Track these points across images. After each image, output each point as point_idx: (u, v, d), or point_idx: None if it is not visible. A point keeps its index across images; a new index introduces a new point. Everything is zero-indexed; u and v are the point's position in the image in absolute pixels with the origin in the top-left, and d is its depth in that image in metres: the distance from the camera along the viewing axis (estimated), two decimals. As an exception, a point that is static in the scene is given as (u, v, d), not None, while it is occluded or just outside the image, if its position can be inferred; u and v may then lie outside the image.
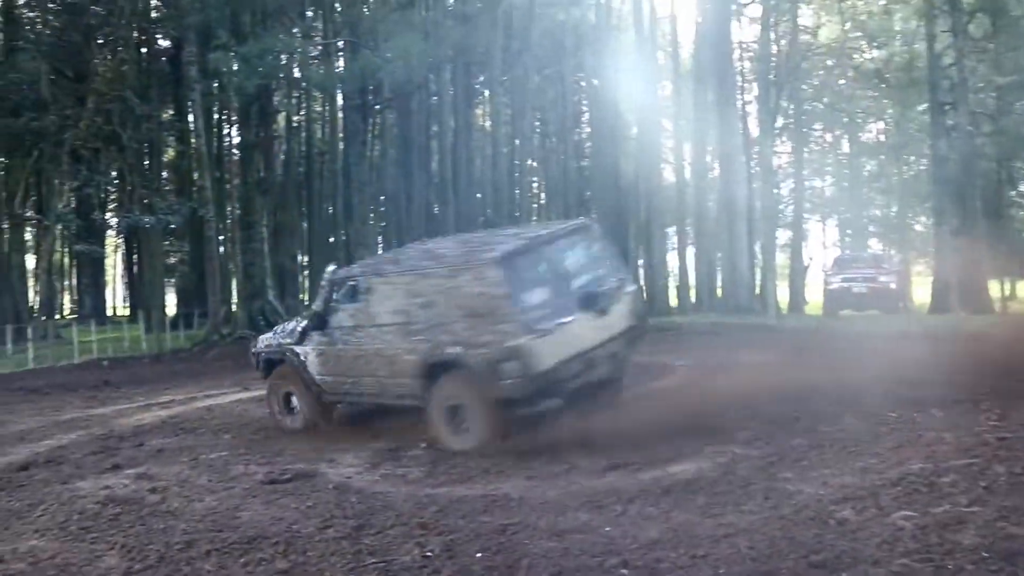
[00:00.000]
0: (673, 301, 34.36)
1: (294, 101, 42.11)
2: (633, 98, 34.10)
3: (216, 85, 32.12)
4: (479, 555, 5.45)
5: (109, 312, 44.65)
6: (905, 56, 36.72)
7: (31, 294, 34.24)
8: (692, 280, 34.96)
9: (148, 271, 35.29)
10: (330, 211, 42.82)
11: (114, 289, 54.84)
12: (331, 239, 42.04)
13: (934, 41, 29.27)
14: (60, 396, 15.63)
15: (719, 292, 33.31)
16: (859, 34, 40.39)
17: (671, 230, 40.21)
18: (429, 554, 5.53)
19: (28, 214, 33.56)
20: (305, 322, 10.66)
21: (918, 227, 43.37)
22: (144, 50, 35.60)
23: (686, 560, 5.11)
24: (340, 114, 38.03)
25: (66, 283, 49.44)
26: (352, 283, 10.18)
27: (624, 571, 5.01)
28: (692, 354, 16.17)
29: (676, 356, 15.92)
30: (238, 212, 37.72)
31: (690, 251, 36.23)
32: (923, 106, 33.24)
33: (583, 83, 41.48)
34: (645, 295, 34.90)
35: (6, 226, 31.06)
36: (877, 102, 42.25)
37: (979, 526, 5.17)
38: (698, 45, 34.21)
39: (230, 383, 15.46)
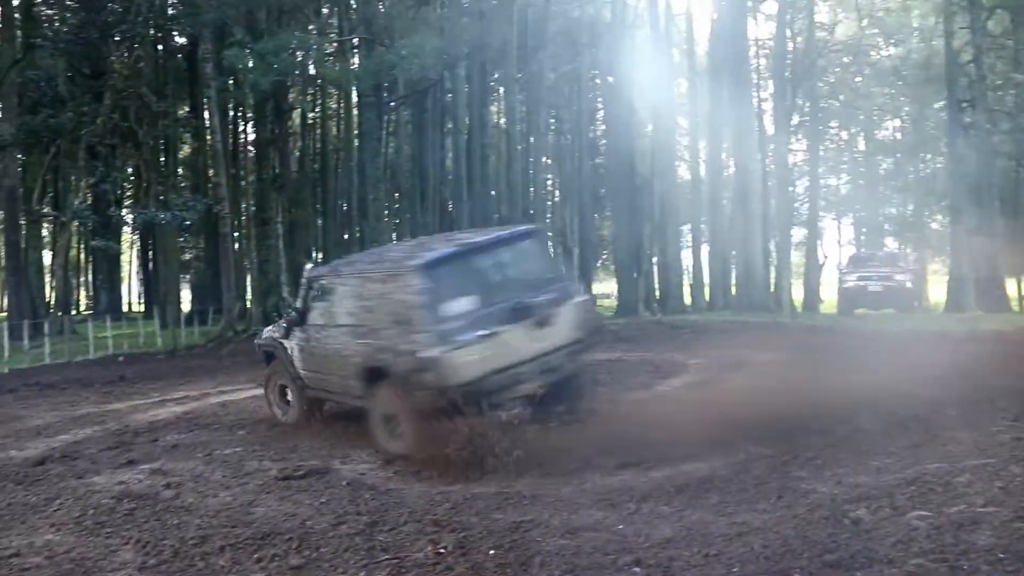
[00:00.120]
0: (687, 299, 34.27)
1: (309, 98, 42.20)
2: (648, 95, 34.04)
3: (232, 82, 32.23)
4: (492, 552, 5.45)
5: (124, 308, 44.89)
6: (923, 53, 36.52)
7: (47, 290, 34.46)
8: (706, 278, 34.88)
9: (163, 267, 35.45)
10: (344, 208, 42.90)
11: (129, 285, 55.13)
12: (346, 236, 42.11)
13: (952, 38, 29.11)
14: (76, 391, 15.70)
15: (733, 290, 33.23)
16: (876, 31, 40.20)
17: (686, 228, 40.14)
18: (442, 551, 5.53)
19: (45, 210, 33.81)
20: (290, 317, 10.75)
21: (934, 225, 43.11)
22: (160, 47, 35.80)
23: (699, 559, 5.10)
24: (355, 111, 38.08)
25: (82, 279, 49.75)
26: (322, 282, 10.22)
27: (637, 569, 5.00)
28: (706, 352, 16.12)
29: (689, 354, 15.88)
30: (253, 209, 37.88)
31: (704, 249, 36.15)
32: (940, 103, 33.08)
33: (598, 80, 41.41)
34: (658, 294, 34.96)
35: (23, 222, 31.26)
36: (894, 99, 42.01)
37: (995, 526, 5.13)
38: (713, 42, 34.14)
39: (245, 379, 15.49)
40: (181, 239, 38.84)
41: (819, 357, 14.17)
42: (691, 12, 41.61)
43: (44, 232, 38.81)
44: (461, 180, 36.31)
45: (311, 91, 41.45)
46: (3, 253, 34.64)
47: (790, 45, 35.99)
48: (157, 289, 36.84)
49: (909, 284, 26.76)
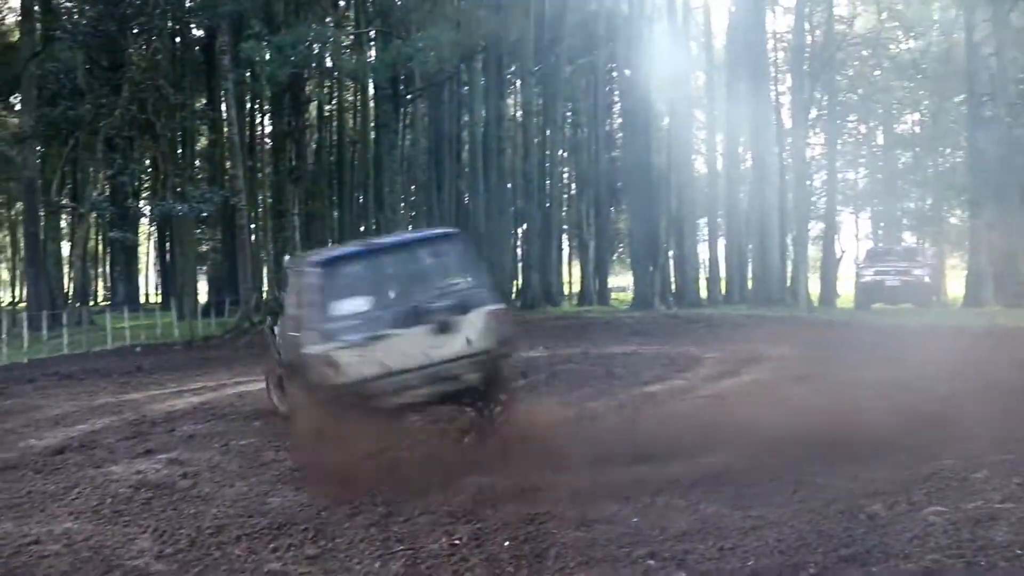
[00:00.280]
0: (703, 293, 34.20)
1: (326, 90, 42.25)
2: (665, 89, 33.92)
3: (249, 74, 32.28)
4: (506, 544, 5.46)
5: (142, 299, 45.17)
6: (943, 46, 36.23)
7: (66, 281, 34.68)
8: (722, 272, 34.80)
9: (180, 259, 35.62)
10: (361, 200, 43.00)
11: (147, 276, 55.44)
12: (362, 228, 42.20)
13: (973, 30, 28.83)
14: (94, 381, 15.80)
15: (750, 284, 33.17)
16: (896, 24, 39.88)
17: (702, 221, 40.03)
18: (457, 542, 5.54)
19: (64, 202, 33.98)
20: (272, 307, 10.91)
21: (953, 220, 42.81)
22: (178, 40, 35.93)
23: (714, 552, 5.09)
24: (371, 103, 38.16)
25: (100, 270, 50.06)
26: (287, 273, 10.44)
27: (651, 562, 5.00)
28: (721, 346, 16.10)
29: (705, 348, 15.87)
30: (270, 200, 37.98)
31: (721, 243, 36.05)
32: (960, 97, 32.80)
33: (615, 73, 41.29)
34: (674, 288, 34.88)
35: (42, 214, 31.47)
36: (913, 93, 41.72)
37: (1012, 523, 5.11)
38: (731, 35, 34.01)
39: (261, 370, 15.52)
40: (198, 231, 39.06)
41: (835, 352, 14.13)
42: (709, 5, 41.32)
43: (63, 224, 39.04)
44: (477, 172, 36.34)
45: (328, 83, 41.50)
46: (23, 244, 34.90)
47: (808, 38, 35.77)
48: (174, 280, 37.03)
49: (927, 279, 26.61)
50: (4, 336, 21.08)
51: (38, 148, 31.66)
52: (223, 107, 32.13)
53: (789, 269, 34.20)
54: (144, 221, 43.55)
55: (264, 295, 31.52)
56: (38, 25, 30.47)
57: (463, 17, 31.46)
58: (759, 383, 10.92)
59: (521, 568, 5.08)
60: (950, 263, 41.95)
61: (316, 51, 31.51)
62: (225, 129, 32.08)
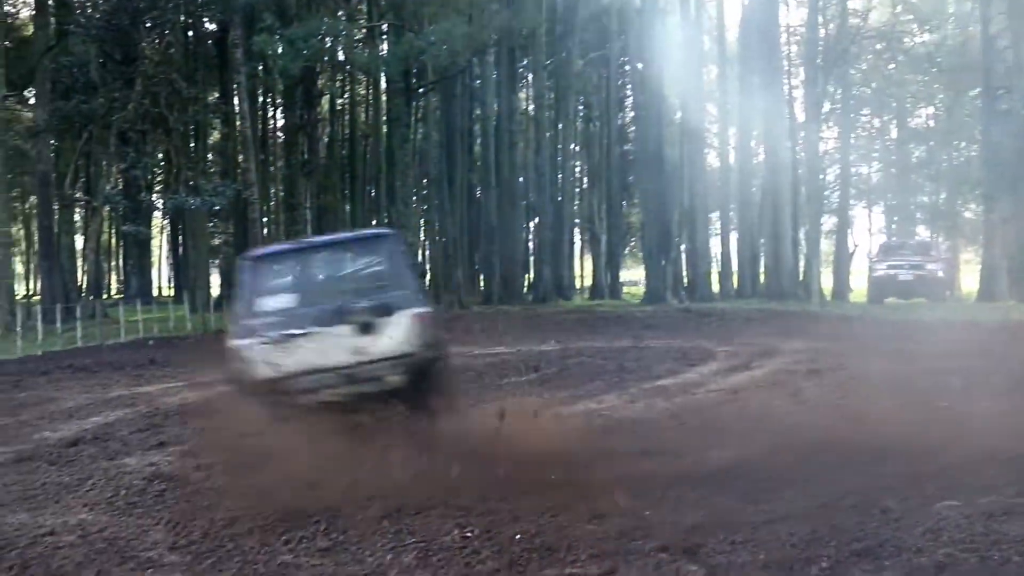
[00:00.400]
0: (715, 287, 34.14)
1: (338, 84, 42.30)
2: (678, 82, 33.83)
3: (261, 68, 32.39)
4: (518, 537, 5.46)
5: (155, 292, 45.31)
6: (958, 39, 36.02)
7: (79, 274, 34.85)
8: (735, 266, 34.71)
9: (193, 252, 35.74)
10: (373, 194, 43.07)
11: (160, 269, 55.66)
12: (374, 221, 42.25)
13: (989, 23, 28.66)
14: (107, 374, 15.87)
15: (762, 278, 33.07)
16: (910, 17, 39.66)
17: (714, 215, 39.94)
18: (469, 535, 5.55)
19: (77, 195, 34.14)
20: None
21: (967, 214, 42.59)
22: (190, 33, 36.00)
23: (726, 546, 5.08)
24: (384, 97, 38.17)
25: (113, 263, 50.28)
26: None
27: (663, 555, 5.00)
28: (733, 340, 16.08)
29: (717, 342, 15.85)
30: (282, 194, 38.08)
31: (733, 236, 35.96)
32: (975, 90, 32.61)
33: (627, 67, 41.23)
34: (686, 282, 34.82)
35: (56, 207, 31.61)
36: (927, 87, 41.50)
37: (1026, 517, 5.08)
38: (744, 28, 33.88)
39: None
40: (210, 224, 39.16)
41: (847, 347, 14.10)
42: (722, -2, 41.11)
43: (76, 217, 39.22)
44: (489, 166, 36.34)
45: (340, 77, 41.55)
46: (37, 238, 35.05)
47: (822, 31, 35.59)
48: (187, 273, 37.16)
49: (941, 273, 26.50)
50: (19, 329, 21.19)
51: (52, 142, 31.82)
52: (235, 101, 32.21)
53: (802, 263, 34.10)
54: (157, 214, 43.72)
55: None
56: (52, 19, 30.60)
57: (475, 10, 31.42)
58: (771, 377, 10.90)
59: (533, 561, 5.08)
60: (964, 257, 41.79)
61: (328, 45, 31.60)
62: (237, 123, 32.16)
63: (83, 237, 37.25)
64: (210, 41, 36.90)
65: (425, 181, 41.40)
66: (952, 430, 7.35)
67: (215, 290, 38.71)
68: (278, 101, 40.73)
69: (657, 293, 32.60)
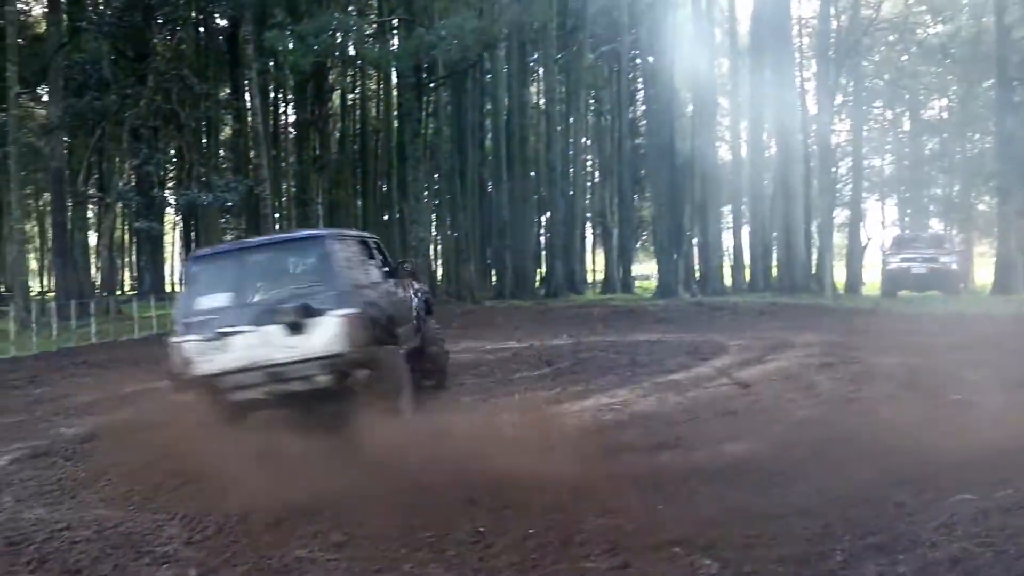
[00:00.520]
0: (727, 280, 34.06)
1: (349, 79, 42.35)
2: (689, 76, 33.74)
3: (272, 64, 32.43)
4: (531, 531, 5.47)
5: (168, 288, 45.49)
6: (972, 30, 35.78)
7: (93, 270, 35.00)
8: (747, 259, 34.60)
9: (206, 248, 35.80)
10: (384, 188, 43.11)
11: (173, 265, 55.85)
12: (385, 216, 42.34)
13: (1004, 13, 28.45)
14: (122, 370, 15.91)
15: (774, 272, 32.96)
16: (923, 7, 39.44)
17: (726, 209, 39.82)
18: (481, 529, 5.56)
19: (90, 192, 34.28)
20: None
21: (981, 206, 42.39)
22: (202, 30, 36.09)
23: (740, 539, 5.08)
24: (394, 92, 38.19)
25: (126, 260, 50.48)
26: None
27: (677, 549, 5.00)
28: (746, 334, 16.04)
29: (729, 335, 15.81)
30: (294, 189, 38.15)
31: (745, 230, 35.85)
32: (989, 82, 32.41)
33: (638, 61, 41.14)
34: (698, 276, 34.73)
35: (70, 204, 31.74)
36: (941, 78, 41.28)
37: (1042, 511, 5.06)
38: (756, 21, 33.71)
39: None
40: (223, 220, 39.27)
41: (860, 340, 14.05)
42: (733, -10, 40.91)
43: (89, 214, 39.39)
44: (500, 161, 36.32)
45: (351, 72, 41.61)
46: (51, 234, 35.22)
47: (834, 23, 35.40)
48: (200, 270, 37.18)
49: (954, 266, 26.36)
50: (34, 325, 21.30)
51: (65, 139, 31.94)
52: (247, 97, 32.31)
53: (814, 256, 33.99)
54: (170, 211, 43.82)
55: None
56: (64, 16, 30.71)
57: (486, 5, 31.39)
58: (784, 371, 10.87)
59: (547, 555, 5.09)
60: (978, 250, 41.59)
61: (339, 40, 31.62)
62: (249, 118, 32.24)
63: (96, 234, 37.41)
64: (221, 37, 37.02)
65: (436, 176, 41.43)
66: (966, 423, 7.33)
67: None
68: (289, 97, 40.82)
69: (669, 287, 32.55)
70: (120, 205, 32.05)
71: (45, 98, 33.83)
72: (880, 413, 7.96)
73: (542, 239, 42.73)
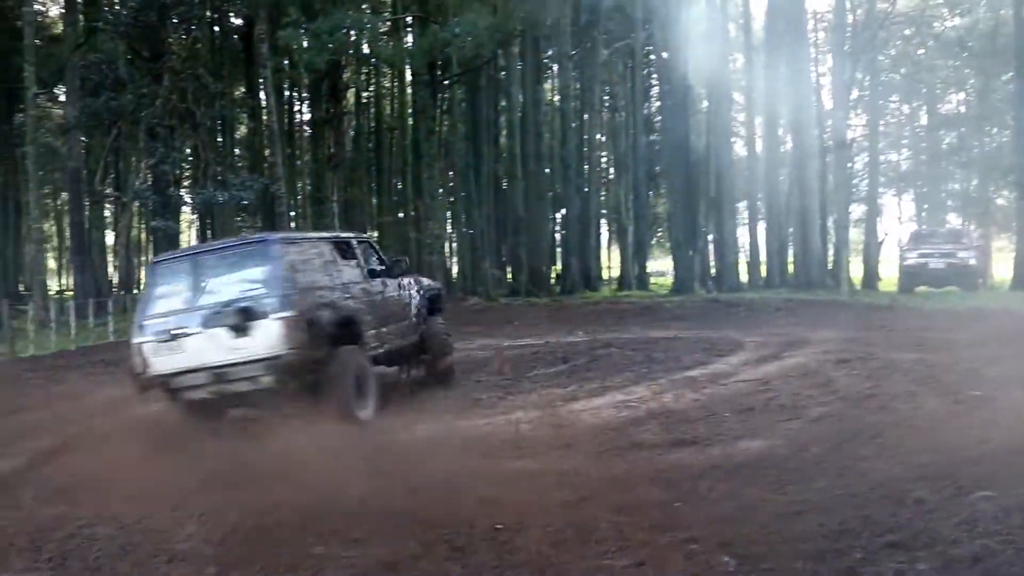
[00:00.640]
0: (743, 277, 33.94)
1: (363, 77, 42.38)
2: (704, 71, 33.59)
3: (287, 62, 32.48)
4: (549, 528, 5.47)
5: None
6: (990, 23, 35.51)
7: (111, 269, 35.20)
8: (763, 255, 34.46)
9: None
10: (399, 186, 43.14)
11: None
12: (400, 214, 42.38)
13: (1022, 6, 28.20)
14: (140, 368, 15.99)
15: (790, 268, 32.82)
16: (940, 1, 39.16)
17: (742, 205, 39.67)
18: (499, 526, 5.56)
19: (107, 191, 34.48)
20: None
21: (1000, 201, 42.07)
22: (217, 28, 36.20)
23: (757, 536, 5.06)
24: (409, 89, 38.20)
25: (143, 258, 50.70)
26: None
27: (694, 546, 4.99)
28: (762, 330, 15.99)
29: (746, 332, 15.76)
30: (309, 188, 38.21)
31: (761, 226, 35.71)
32: (1008, 75, 32.16)
33: (653, 56, 40.99)
34: (714, 272, 34.62)
35: (87, 203, 31.93)
36: (958, 72, 40.99)
37: (1064, 508, 5.02)
38: (771, 16, 33.55)
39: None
40: (238, 219, 39.41)
41: (877, 336, 13.99)
42: (748, -15, 40.71)
43: (107, 213, 39.62)
44: (515, 158, 36.29)
45: (365, 70, 41.63)
46: (68, 234, 35.41)
47: (850, 17, 35.20)
48: (216, 268, 37.32)
49: (973, 261, 26.18)
50: (53, 324, 21.46)
51: (82, 139, 32.14)
52: (262, 95, 32.40)
53: (830, 252, 33.83)
54: (186, 209, 44.00)
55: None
56: (81, 17, 30.91)
57: (500, 1, 31.38)
58: (801, 367, 10.83)
59: (564, 552, 5.09)
60: (997, 245, 41.25)
61: (353, 38, 31.68)
62: (264, 117, 32.35)
63: (114, 233, 37.60)
64: (236, 36, 37.11)
65: (451, 173, 41.45)
66: (985, 419, 7.28)
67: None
68: (304, 95, 40.90)
69: (685, 283, 32.47)
70: (137, 204, 32.22)
71: (62, 98, 34.06)
72: (898, 409, 7.92)
73: (557, 236, 42.70)
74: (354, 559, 5.23)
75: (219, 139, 37.25)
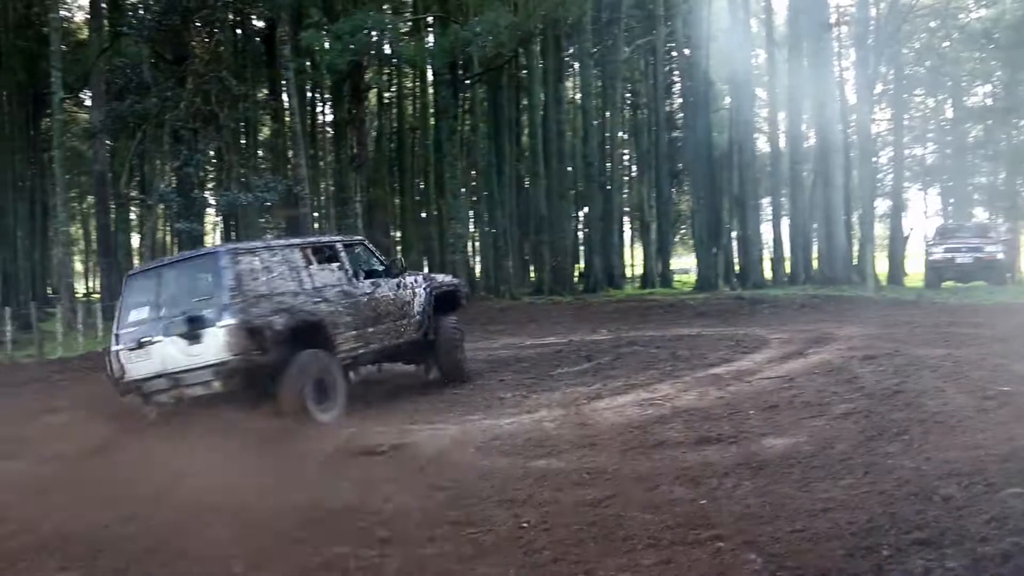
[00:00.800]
0: (767, 273, 33.77)
1: (385, 77, 42.51)
2: (726, 67, 33.46)
3: (309, 63, 32.62)
4: (574, 527, 5.47)
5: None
6: (1016, 14, 35.12)
7: (137, 271, 35.41)
8: (787, 252, 34.27)
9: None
10: (422, 186, 43.23)
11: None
12: (423, 214, 42.47)
13: (1048, -3, 27.91)
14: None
15: (815, 264, 32.61)
16: (966, -8, 38.81)
17: (765, 201, 39.46)
18: (524, 525, 5.57)
19: (133, 194, 34.76)
20: None
21: (1028, 194, 41.65)
22: (239, 31, 36.40)
23: (783, 534, 5.04)
24: (430, 89, 38.28)
25: (169, 260, 51.09)
26: None
27: (720, 544, 4.97)
28: (787, 327, 15.90)
29: (771, 329, 15.69)
30: (332, 188, 38.36)
31: (785, 222, 35.51)
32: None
33: (674, 53, 40.87)
34: (738, 269, 34.46)
35: (113, 206, 32.21)
36: (984, 64, 40.57)
37: (1095, 504, 4.96)
38: (793, 11, 33.32)
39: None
40: (262, 220, 39.62)
41: (903, 332, 13.88)
42: (770, -20, 40.47)
43: (132, 216, 39.93)
44: (537, 156, 36.29)
45: (387, 71, 41.75)
46: (95, 236, 35.71)
47: (873, 11, 34.91)
48: (240, 269, 37.50)
49: (1000, 255, 25.93)
50: (80, 326, 21.66)
51: (107, 142, 32.41)
52: (284, 97, 32.54)
53: (855, 248, 33.58)
54: (210, 211, 44.28)
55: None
56: (106, 22, 31.16)
57: (520, 0, 31.38)
58: (827, 364, 10.76)
59: (589, 550, 5.09)
60: (1025, 239, 40.81)
61: (375, 38, 31.73)
62: (287, 118, 32.48)
63: (139, 235, 37.90)
64: (258, 38, 37.31)
65: (473, 172, 41.50)
66: (1014, 415, 7.21)
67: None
68: (326, 96, 41.03)
69: (708, 281, 32.35)
70: (161, 206, 32.39)
71: (88, 103, 34.35)
72: (925, 406, 7.85)
73: (580, 234, 42.65)
74: (378, 559, 5.24)
75: (242, 141, 37.49)
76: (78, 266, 52.93)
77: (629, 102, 45.97)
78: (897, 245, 35.78)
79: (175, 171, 31.16)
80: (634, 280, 44.28)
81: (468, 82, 35.70)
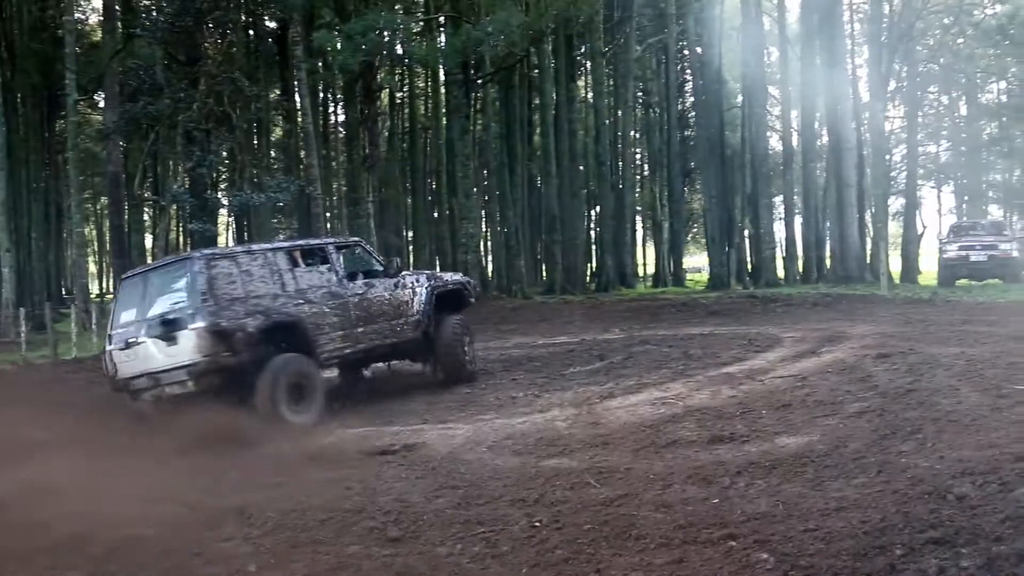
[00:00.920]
0: (780, 272, 33.68)
1: (397, 77, 42.56)
2: (738, 65, 33.38)
3: (321, 64, 32.67)
4: (586, 526, 5.47)
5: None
6: (1031, 10, 34.93)
7: (151, 272, 35.53)
8: (800, 250, 34.17)
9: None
10: (434, 185, 43.29)
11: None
12: (435, 213, 42.53)
13: (1063, -7, 27.74)
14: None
15: (828, 262, 32.50)
16: (978, -11, 38.60)
17: (778, 200, 39.36)
18: (537, 524, 5.58)
19: (146, 195, 34.89)
20: None
21: (1043, 191, 41.42)
22: (251, 32, 36.52)
23: (796, 533, 5.03)
24: (442, 89, 38.31)
25: (183, 260, 51.30)
26: None
27: (732, 543, 4.96)
28: (800, 326, 15.86)
29: (784, 327, 15.64)
30: (344, 188, 38.43)
31: (797, 220, 35.41)
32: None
33: (686, 52, 40.79)
34: (751, 268, 34.39)
35: (126, 207, 32.36)
36: (999, 60, 40.35)
37: (1111, 504, 4.93)
38: (805, 8, 33.23)
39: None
40: (275, 220, 39.74)
41: (917, 330, 13.82)
42: (782, -22, 40.36)
43: (145, 216, 40.10)
44: (549, 155, 36.29)
45: (399, 71, 41.82)
46: (108, 237, 35.85)
47: (886, 8, 34.78)
48: (254, 269, 37.60)
49: (1015, 253, 25.78)
50: (94, 327, 21.76)
51: (121, 143, 32.55)
52: (297, 97, 32.61)
53: (869, 246, 33.45)
54: (223, 212, 44.45)
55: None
56: (119, 24, 31.29)
57: (532, 0, 31.38)
58: (840, 362, 10.72)
59: (601, 549, 5.09)
60: (1040, 237, 40.58)
61: (386, 39, 31.76)
62: (299, 119, 32.55)
63: (152, 236, 38.06)
64: (271, 39, 37.43)
65: (485, 172, 41.51)
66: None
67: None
68: (338, 96, 41.14)
69: (721, 279, 32.29)
70: (175, 207, 32.53)
71: (101, 104, 34.50)
72: (939, 404, 7.81)
73: (592, 233, 42.62)
74: (391, 558, 5.25)
75: (255, 142, 37.60)
76: (92, 267, 53.16)
77: (641, 101, 45.92)
78: (911, 243, 35.65)
79: (188, 172, 31.29)
80: (646, 279, 44.24)
81: (480, 82, 35.71)
